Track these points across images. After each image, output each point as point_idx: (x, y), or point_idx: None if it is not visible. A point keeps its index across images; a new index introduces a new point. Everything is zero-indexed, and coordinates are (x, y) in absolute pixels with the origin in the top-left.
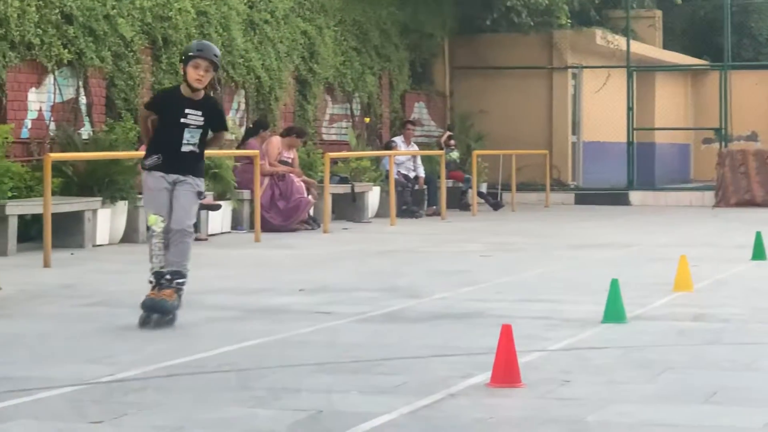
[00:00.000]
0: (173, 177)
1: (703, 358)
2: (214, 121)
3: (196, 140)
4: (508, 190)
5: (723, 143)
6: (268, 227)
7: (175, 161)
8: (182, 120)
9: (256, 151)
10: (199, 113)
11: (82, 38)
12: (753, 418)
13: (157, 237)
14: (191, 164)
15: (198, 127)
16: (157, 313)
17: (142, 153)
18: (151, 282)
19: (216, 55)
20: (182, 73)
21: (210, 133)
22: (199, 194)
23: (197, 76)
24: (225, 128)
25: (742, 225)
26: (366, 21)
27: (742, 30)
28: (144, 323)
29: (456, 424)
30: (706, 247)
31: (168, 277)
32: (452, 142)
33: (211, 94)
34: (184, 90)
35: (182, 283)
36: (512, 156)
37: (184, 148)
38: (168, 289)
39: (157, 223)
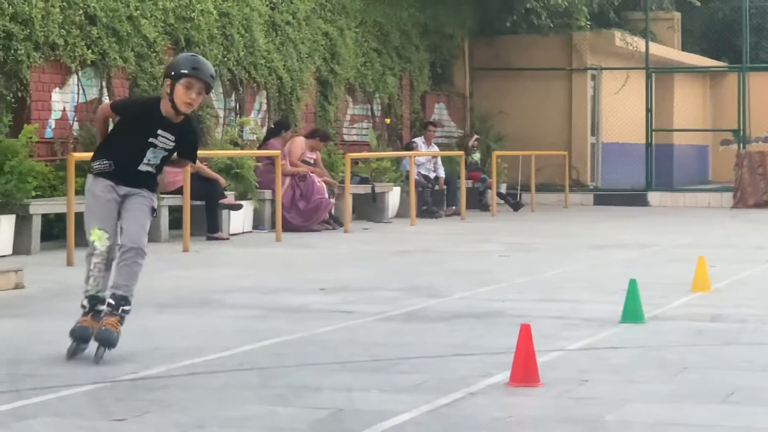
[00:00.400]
0: (125, 190)
1: (720, 358)
2: (185, 150)
3: (157, 161)
4: (528, 190)
5: (741, 145)
6: (288, 227)
7: (128, 177)
8: (150, 139)
9: (278, 152)
10: (172, 138)
11: (106, 39)
12: None
13: (100, 256)
14: (145, 181)
15: (165, 149)
16: (103, 345)
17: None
18: (83, 307)
19: (212, 76)
20: (167, 89)
21: (174, 155)
22: (153, 210)
23: (188, 99)
24: (194, 160)
25: (760, 226)
26: (386, 22)
27: (760, 32)
28: (74, 354)
29: (475, 423)
30: (724, 247)
31: (112, 302)
32: (475, 144)
33: (192, 118)
34: (164, 108)
35: (128, 311)
36: (532, 157)
37: (142, 168)
38: (112, 317)
39: (101, 239)
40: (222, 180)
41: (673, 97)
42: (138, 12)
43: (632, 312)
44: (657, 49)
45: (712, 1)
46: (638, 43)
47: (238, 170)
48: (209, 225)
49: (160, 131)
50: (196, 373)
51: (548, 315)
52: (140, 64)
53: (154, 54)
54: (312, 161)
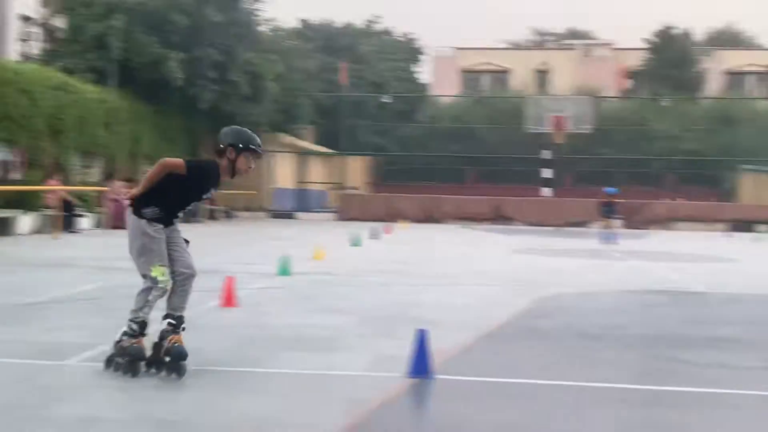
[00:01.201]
0: (168, 230)
1: (334, 293)
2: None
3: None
4: (236, 209)
5: (341, 191)
6: (122, 226)
7: (171, 220)
8: (204, 195)
9: (107, 188)
10: (214, 191)
11: (14, 127)
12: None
13: (162, 290)
14: (176, 221)
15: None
16: (181, 359)
17: (45, 187)
18: (133, 331)
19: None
20: (229, 155)
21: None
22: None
23: (246, 167)
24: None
25: (353, 229)
26: (167, 125)
27: (352, 133)
28: (137, 372)
29: (205, 327)
30: (333, 237)
31: (174, 323)
32: None
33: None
34: (222, 169)
35: (185, 328)
36: (239, 194)
37: (180, 213)
38: (176, 334)
39: (165, 275)
40: (74, 200)
41: (309, 166)
42: (30, 113)
43: (284, 269)
44: (303, 143)
45: (327, 118)
46: (294, 139)
47: (86, 197)
48: (69, 224)
49: (213, 188)
50: (52, 302)
51: (241, 272)
52: (32, 142)
53: (40, 136)
54: (125, 192)
